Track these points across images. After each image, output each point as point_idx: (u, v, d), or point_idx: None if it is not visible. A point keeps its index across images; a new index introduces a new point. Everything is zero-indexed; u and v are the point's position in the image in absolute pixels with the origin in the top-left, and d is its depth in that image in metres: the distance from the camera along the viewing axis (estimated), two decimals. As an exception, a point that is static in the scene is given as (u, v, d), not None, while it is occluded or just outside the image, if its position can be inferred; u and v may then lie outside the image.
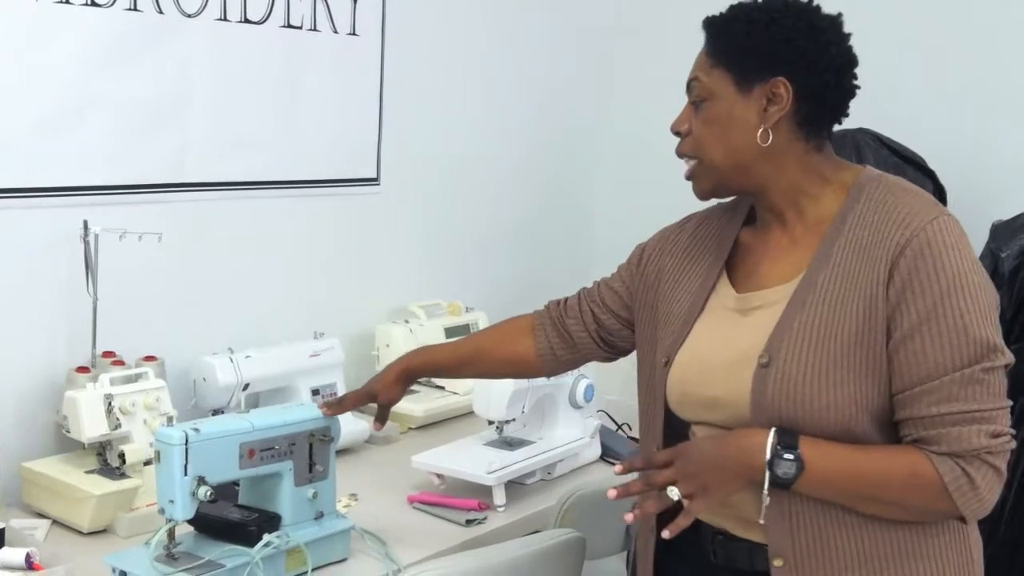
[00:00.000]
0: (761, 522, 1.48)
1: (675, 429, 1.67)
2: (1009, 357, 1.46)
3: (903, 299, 1.44)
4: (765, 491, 1.46)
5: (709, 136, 1.58)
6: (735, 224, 1.70)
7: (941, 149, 2.74)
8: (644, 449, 1.73)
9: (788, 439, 1.45)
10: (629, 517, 1.52)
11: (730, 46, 1.57)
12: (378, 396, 1.98)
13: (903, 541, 1.49)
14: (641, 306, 1.77)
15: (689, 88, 1.61)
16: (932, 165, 2.70)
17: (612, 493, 1.51)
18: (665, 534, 1.49)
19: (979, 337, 1.42)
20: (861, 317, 1.46)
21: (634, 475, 1.58)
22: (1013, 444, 1.45)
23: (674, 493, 1.48)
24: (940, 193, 2.68)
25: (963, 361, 1.42)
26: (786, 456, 1.44)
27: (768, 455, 1.44)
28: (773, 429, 1.46)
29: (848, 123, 2.54)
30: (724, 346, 1.58)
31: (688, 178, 1.64)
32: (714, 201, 1.71)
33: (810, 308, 1.50)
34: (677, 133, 1.62)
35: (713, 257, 1.69)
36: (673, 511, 1.52)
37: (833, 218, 1.55)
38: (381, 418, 2.03)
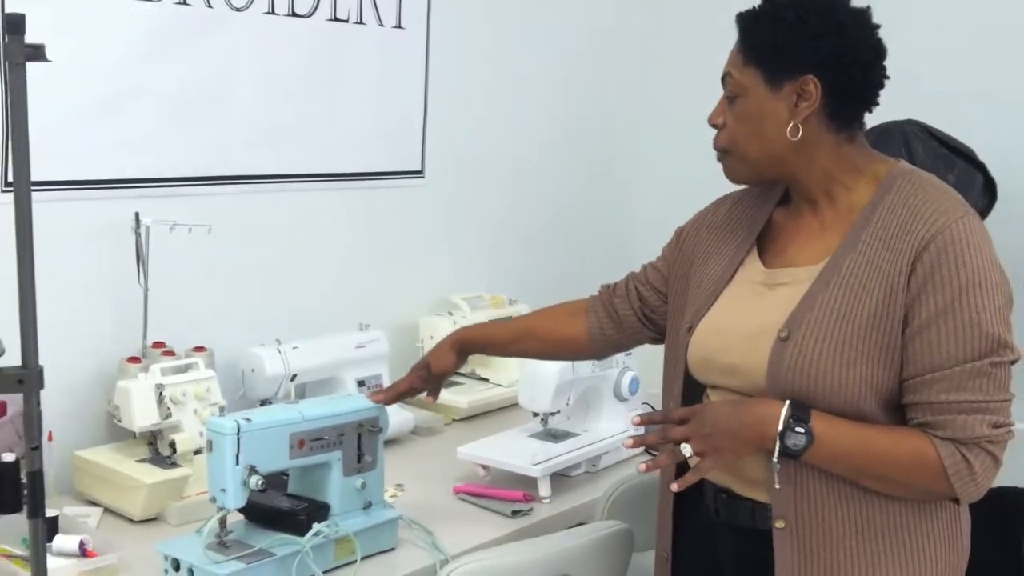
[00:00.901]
0: (777, 487, 1.55)
1: (693, 393, 1.74)
2: (1016, 353, 1.53)
3: (923, 291, 1.51)
4: (775, 459, 1.53)
5: (742, 131, 1.65)
6: (769, 203, 1.77)
7: (991, 142, 2.70)
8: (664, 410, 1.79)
9: (801, 413, 1.53)
10: (642, 467, 1.60)
11: (760, 44, 1.62)
12: (431, 365, 2.01)
13: (898, 515, 1.57)
14: (675, 279, 1.86)
15: (723, 82, 1.67)
16: (982, 158, 2.66)
17: (628, 442, 1.63)
18: (674, 487, 1.60)
19: (991, 334, 1.50)
20: (880, 303, 1.53)
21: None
22: (1013, 435, 1.53)
23: (686, 450, 1.57)
24: (990, 186, 2.65)
25: (974, 354, 1.50)
26: (797, 429, 1.51)
27: (780, 427, 1.52)
28: (787, 402, 1.53)
29: (897, 114, 2.57)
30: (747, 317, 1.65)
31: (724, 169, 1.71)
32: None
33: (833, 290, 1.57)
34: (714, 126, 1.69)
35: (745, 233, 1.76)
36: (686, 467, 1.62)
37: (863, 207, 1.62)
38: (434, 390, 2.05)
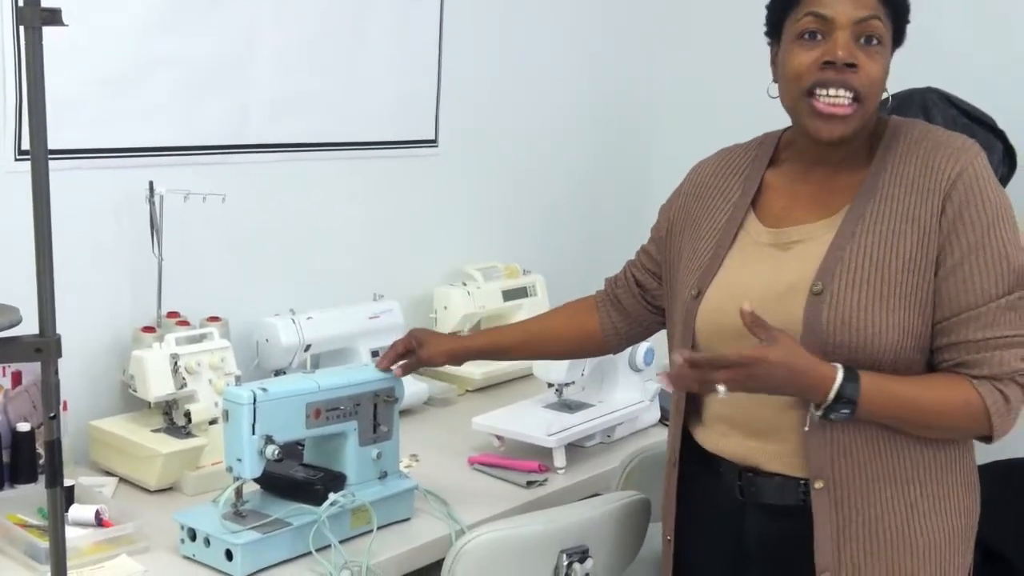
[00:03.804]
0: (806, 429, 1.56)
1: None
2: None
3: (955, 229, 1.53)
4: (807, 426, 1.56)
5: (879, 79, 1.58)
6: (760, 164, 1.75)
7: (1010, 109, 2.68)
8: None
9: (851, 388, 1.50)
10: (663, 379, 1.56)
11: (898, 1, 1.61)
12: (424, 349, 1.95)
13: (926, 461, 1.59)
14: (667, 255, 1.82)
15: (861, 22, 1.56)
16: (1002, 125, 2.64)
17: (661, 377, 1.56)
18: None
19: (1019, 266, 1.54)
20: (915, 246, 1.55)
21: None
22: None
23: (721, 389, 1.50)
24: (1009, 153, 2.63)
25: (1005, 288, 1.53)
26: (843, 411, 1.51)
27: (829, 402, 1.51)
28: (839, 379, 1.50)
29: (916, 82, 2.54)
30: (766, 278, 1.63)
31: (841, 116, 1.57)
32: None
33: (860, 238, 1.57)
34: (848, 65, 1.55)
35: (739, 195, 1.74)
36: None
37: (874, 156, 1.63)
38: (407, 368, 1.96)
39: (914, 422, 1.55)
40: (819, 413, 1.52)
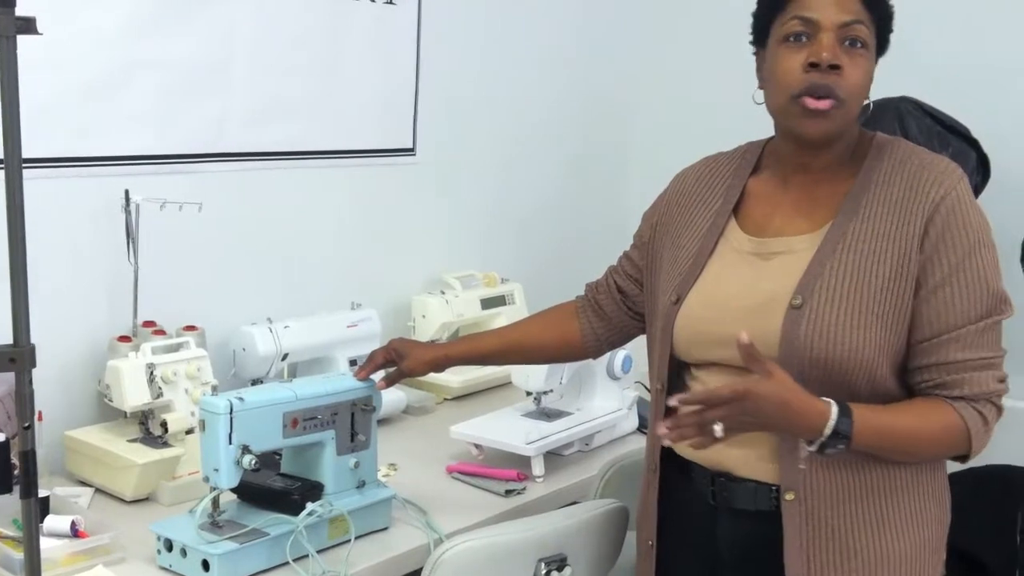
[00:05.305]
0: (801, 467, 1.55)
1: (681, 369, 1.73)
2: (1012, 308, 1.59)
3: (936, 252, 1.55)
4: (801, 463, 1.55)
5: (862, 83, 1.60)
6: (743, 172, 1.76)
7: (985, 119, 2.70)
8: (654, 395, 1.76)
9: (845, 425, 1.49)
10: (663, 429, 1.51)
11: (881, 7, 1.63)
12: (406, 361, 1.96)
13: (898, 477, 1.60)
14: (649, 262, 1.84)
15: (846, 26, 1.58)
16: (976, 134, 2.66)
17: (663, 430, 1.51)
18: (666, 442, 1.57)
19: (996, 290, 1.57)
20: (894, 267, 1.56)
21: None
22: (1009, 389, 1.59)
23: (718, 429, 1.48)
24: (983, 163, 2.64)
25: (983, 311, 1.56)
26: (839, 446, 1.51)
27: (823, 439, 1.50)
28: (834, 415, 1.49)
29: (891, 91, 2.56)
30: (745, 287, 1.64)
31: (824, 111, 1.58)
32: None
33: (841, 255, 1.58)
34: (832, 66, 1.56)
35: (721, 202, 1.75)
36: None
37: (858, 173, 1.64)
38: (391, 379, 1.98)
39: (901, 451, 1.58)
40: (813, 449, 1.51)
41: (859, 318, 1.55)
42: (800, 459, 1.54)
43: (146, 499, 2.06)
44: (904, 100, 2.65)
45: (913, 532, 1.61)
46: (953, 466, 1.69)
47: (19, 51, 1.29)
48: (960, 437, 1.56)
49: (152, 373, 2.09)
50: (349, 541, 1.85)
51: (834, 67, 1.56)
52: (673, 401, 1.52)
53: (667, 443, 1.57)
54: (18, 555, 1.69)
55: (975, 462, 1.64)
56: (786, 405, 1.49)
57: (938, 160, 1.63)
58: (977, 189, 2.57)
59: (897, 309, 1.55)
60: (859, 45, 1.59)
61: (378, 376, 1.99)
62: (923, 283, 1.56)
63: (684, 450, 1.70)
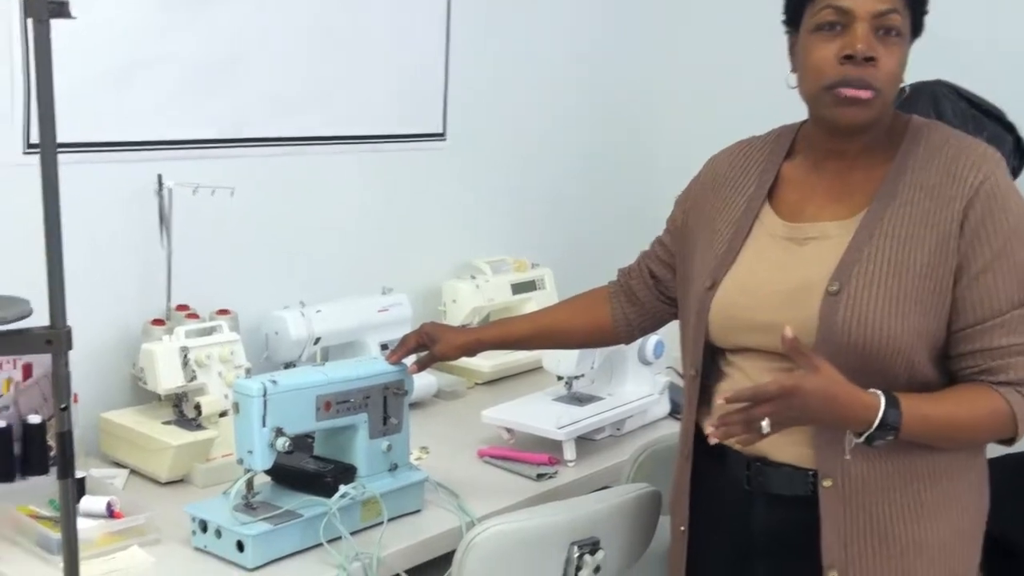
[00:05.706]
0: (847, 457, 1.53)
1: (715, 354, 1.71)
2: None
3: (976, 238, 1.53)
4: (847, 453, 1.53)
5: (896, 72, 1.58)
6: (777, 157, 1.74)
7: (1021, 103, 2.66)
8: (688, 382, 1.75)
9: (894, 416, 1.48)
10: (710, 428, 1.52)
11: None
12: (438, 346, 1.97)
13: (939, 463, 1.59)
14: (682, 247, 1.82)
15: (880, 15, 1.55)
16: (1012, 118, 2.62)
17: (709, 429, 1.52)
18: (712, 439, 1.53)
19: None
20: (933, 252, 1.54)
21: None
22: None
23: (765, 426, 1.47)
24: (1020, 147, 2.60)
25: None
26: (887, 437, 1.50)
27: (872, 431, 1.49)
28: (883, 406, 1.48)
29: (926, 75, 2.52)
30: (781, 272, 1.63)
31: (864, 100, 1.56)
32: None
33: (878, 241, 1.57)
34: (868, 59, 1.54)
35: (755, 187, 1.73)
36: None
37: (894, 158, 1.62)
38: (423, 363, 1.99)
39: (948, 438, 1.56)
40: (860, 440, 1.50)
41: (897, 304, 1.53)
42: (846, 450, 1.52)
43: (180, 481, 2.08)
44: (939, 83, 2.60)
45: (951, 519, 1.60)
46: (992, 452, 1.68)
47: (52, 35, 1.30)
48: (1007, 422, 1.54)
49: (186, 356, 2.11)
50: (382, 523, 1.86)
51: (870, 59, 1.54)
52: (721, 400, 1.53)
53: (713, 441, 1.54)
54: (56, 535, 1.71)
55: (1015, 448, 1.62)
56: (834, 399, 1.48)
57: (975, 144, 1.61)
58: (1014, 172, 2.53)
59: (935, 295, 1.54)
60: (894, 34, 1.56)
61: (410, 360, 1.99)
62: (965, 270, 1.54)
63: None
